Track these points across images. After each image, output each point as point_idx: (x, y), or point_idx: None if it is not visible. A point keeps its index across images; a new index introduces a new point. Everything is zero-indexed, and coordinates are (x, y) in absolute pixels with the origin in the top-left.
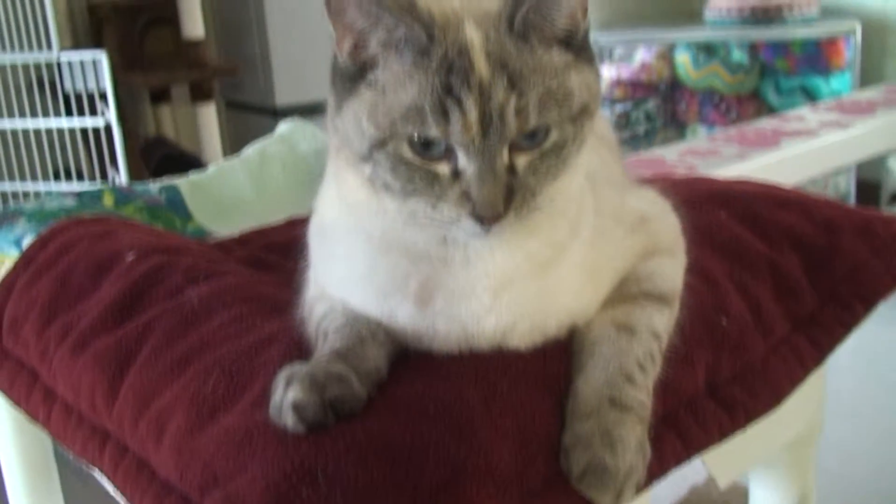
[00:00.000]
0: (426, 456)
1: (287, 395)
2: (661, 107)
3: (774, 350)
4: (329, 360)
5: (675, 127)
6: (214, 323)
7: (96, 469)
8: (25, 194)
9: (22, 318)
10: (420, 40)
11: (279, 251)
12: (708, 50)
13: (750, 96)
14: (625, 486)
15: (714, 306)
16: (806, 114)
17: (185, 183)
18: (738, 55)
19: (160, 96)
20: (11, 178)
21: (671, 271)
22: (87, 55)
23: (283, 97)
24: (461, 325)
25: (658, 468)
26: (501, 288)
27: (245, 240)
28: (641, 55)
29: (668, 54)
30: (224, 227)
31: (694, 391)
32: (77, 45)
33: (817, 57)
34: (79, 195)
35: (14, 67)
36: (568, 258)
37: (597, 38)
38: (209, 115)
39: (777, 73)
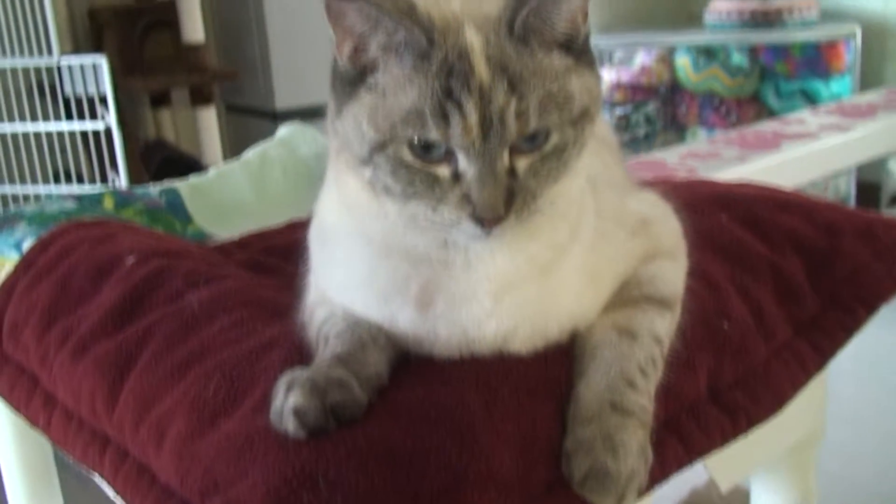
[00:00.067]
0: (427, 461)
1: (288, 401)
2: (661, 110)
3: (776, 354)
4: (330, 366)
5: (675, 130)
6: (215, 327)
7: (97, 474)
8: (26, 197)
9: (22, 322)
10: (420, 44)
11: (279, 254)
12: (708, 53)
13: (750, 99)
14: (627, 491)
15: (716, 310)
16: (806, 117)
17: (185, 186)
18: (738, 58)
19: (160, 100)
20: (12, 181)
21: (673, 275)
22: (87, 59)
23: (282, 101)
24: (462, 329)
25: (660, 473)
26: (502, 291)
27: (245, 243)
28: (641, 58)
29: (668, 57)
30: (224, 230)
31: (696, 396)
32: (77, 49)
33: (817, 60)
34: (79, 198)
35: (14, 71)
36: (569, 261)
37: (597, 41)
38: (209, 119)
39: (777, 77)
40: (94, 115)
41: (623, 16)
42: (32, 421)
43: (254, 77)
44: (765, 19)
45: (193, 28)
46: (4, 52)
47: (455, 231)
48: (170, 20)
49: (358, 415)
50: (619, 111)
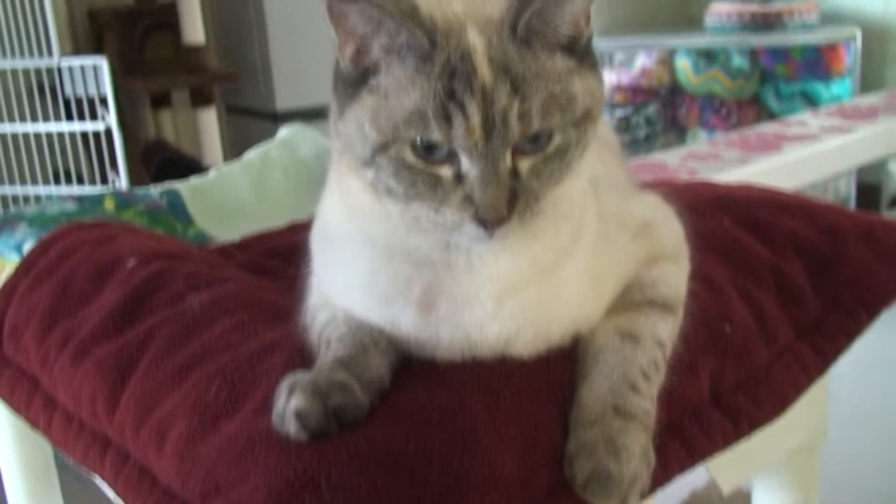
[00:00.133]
0: (429, 464)
1: (290, 403)
2: (661, 112)
3: (778, 358)
4: (332, 369)
5: (676, 132)
6: (216, 330)
7: (97, 476)
8: (26, 198)
9: (22, 324)
10: (422, 46)
11: (280, 256)
12: (708, 55)
13: (750, 101)
14: (629, 494)
15: (718, 313)
16: (807, 119)
17: (186, 187)
18: (739, 61)
19: (161, 101)
20: (12, 181)
21: (675, 278)
22: (87, 61)
23: (283, 102)
24: (464, 332)
25: (662, 476)
26: (505, 294)
27: (246, 245)
28: (642, 60)
29: (668, 60)
30: (225, 231)
31: (698, 399)
32: (77, 50)
33: (817, 63)
34: (80, 199)
35: (15, 73)
36: (571, 264)
37: (597, 43)
38: (210, 120)
39: (777, 79)
40: (94, 116)
41: (623, 18)
42: (33, 423)
43: (254, 78)
44: (765, 22)
45: (194, 29)
46: (5, 53)
47: (457, 233)
48: (170, 22)
49: (360, 418)
50: (619, 113)
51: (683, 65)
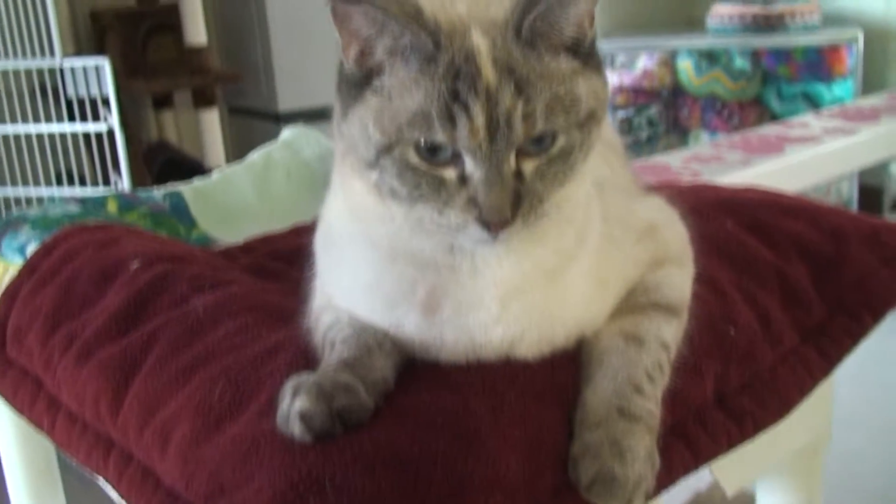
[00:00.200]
0: (434, 466)
1: (294, 405)
2: (663, 113)
3: (783, 360)
4: (336, 370)
5: (678, 133)
6: (220, 332)
7: (101, 477)
8: (28, 200)
9: (26, 326)
10: (426, 47)
11: (284, 259)
12: (710, 57)
13: (752, 103)
14: (634, 496)
15: (722, 316)
16: (810, 120)
17: (188, 189)
18: (741, 62)
19: (163, 102)
20: (14, 183)
21: (680, 281)
22: (89, 61)
23: (285, 103)
24: (469, 334)
25: (667, 478)
26: (509, 297)
27: (250, 247)
28: (644, 62)
29: (670, 61)
30: (228, 234)
31: (702, 401)
32: (80, 51)
33: (819, 64)
34: (82, 201)
35: (17, 73)
36: (576, 266)
37: (599, 45)
38: (212, 121)
39: (779, 80)
40: (96, 117)
41: (625, 20)
42: (36, 424)
43: (256, 79)
44: (767, 23)
45: (196, 30)
46: (7, 53)
47: (461, 235)
48: (172, 23)
49: (364, 419)
50: (621, 114)
51: (685, 66)
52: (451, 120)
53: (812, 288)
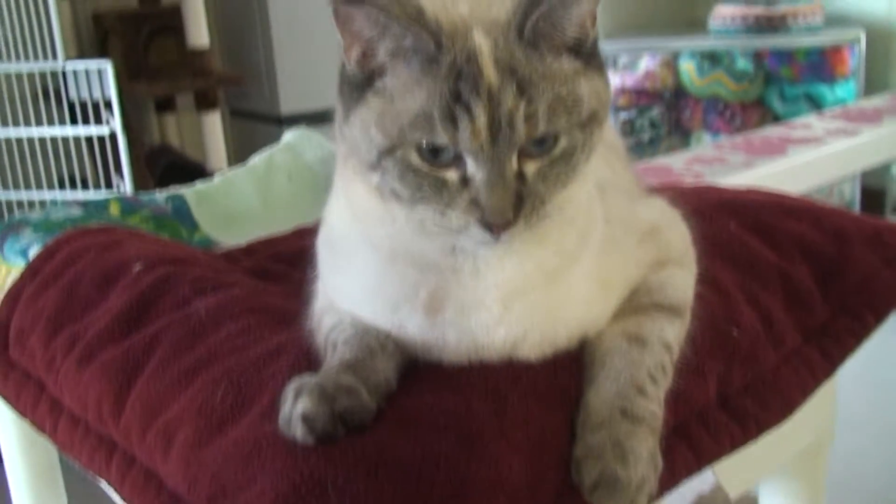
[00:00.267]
0: (436, 468)
1: (296, 407)
2: (665, 114)
3: (785, 361)
4: (338, 372)
5: (680, 134)
6: (222, 334)
7: (103, 480)
8: (31, 203)
9: (28, 328)
10: (428, 48)
11: (286, 261)
12: (712, 58)
13: (754, 104)
14: (637, 498)
15: (725, 317)
16: (812, 122)
17: (191, 192)
18: (743, 63)
19: (165, 105)
20: (17, 186)
21: (682, 282)
22: (92, 64)
23: (287, 105)
24: (471, 335)
25: (670, 479)
26: (511, 298)
27: (252, 250)
28: (646, 63)
29: (672, 62)
30: (230, 236)
31: (705, 402)
32: (82, 54)
33: (822, 65)
34: (85, 204)
35: (19, 76)
36: (578, 267)
37: (601, 46)
38: (214, 124)
39: (781, 81)
40: (98, 120)
41: (627, 21)
42: (39, 426)
43: (259, 82)
44: (769, 24)
45: (198, 33)
46: (9, 56)
47: (463, 236)
48: (175, 25)
49: (366, 421)
50: (623, 116)
51: (687, 67)
52: (452, 121)
53: (815, 289)
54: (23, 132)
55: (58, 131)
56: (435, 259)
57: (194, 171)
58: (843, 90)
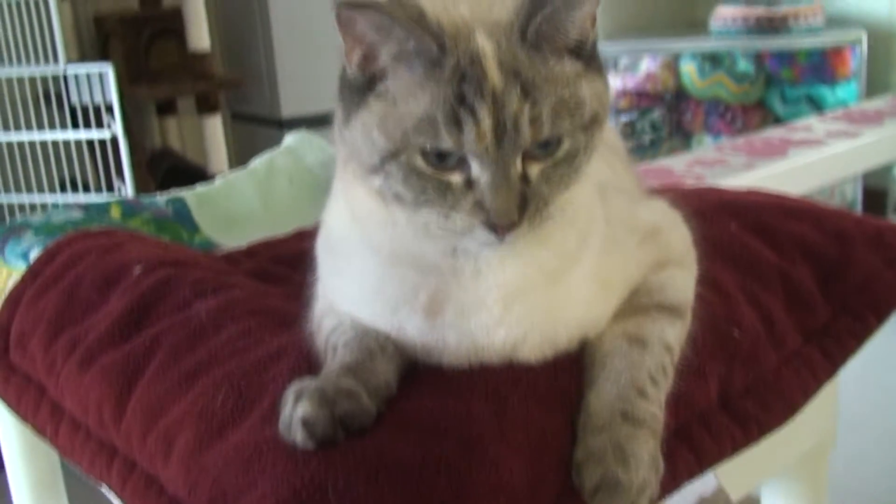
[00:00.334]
0: (436, 471)
1: (296, 411)
2: (666, 116)
3: (787, 362)
4: (338, 375)
5: (681, 136)
6: (222, 337)
7: (104, 485)
8: (32, 206)
9: (29, 331)
10: (431, 51)
11: (287, 263)
12: (713, 60)
13: (755, 105)
14: (638, 501)
15: (726, 318)
16: (813, 123)
17: (192, 195)
18: (744, 65)
19: (166, 108)
20: (18, 190)
21: (683, 283)
22: (93, 68)
23: (288, 109)
24: (471, 337)
25: (671, 482)
26: (512, 299)
27: (252, 252)
28: (647, 65)
29: (673, 64)
30: (231, 239)
31: (707, 404)
32: (83, 57)
33: (823, 66)
34: (86, 208)
35: (21, 80)
36: (578, 268)
37: (602, 48)
38: (215, 127)
39: (783, 83)
40: (100, 124)
41: (628, 23)
42: (40, 431)
43: (260, 85)
44: (770, 26)
45: (199, 36)
46: (10, 60)
47: (467, 238)
48: (175, 28)
49: (367, 425)
50: (624, 118)
51: (688, 69)
52: (457, 124)
53: (816, 290)
54: (24, 136)
55: (59, 135)
56: (435, 261)
57: (195, 174)
58: (845, 91)
